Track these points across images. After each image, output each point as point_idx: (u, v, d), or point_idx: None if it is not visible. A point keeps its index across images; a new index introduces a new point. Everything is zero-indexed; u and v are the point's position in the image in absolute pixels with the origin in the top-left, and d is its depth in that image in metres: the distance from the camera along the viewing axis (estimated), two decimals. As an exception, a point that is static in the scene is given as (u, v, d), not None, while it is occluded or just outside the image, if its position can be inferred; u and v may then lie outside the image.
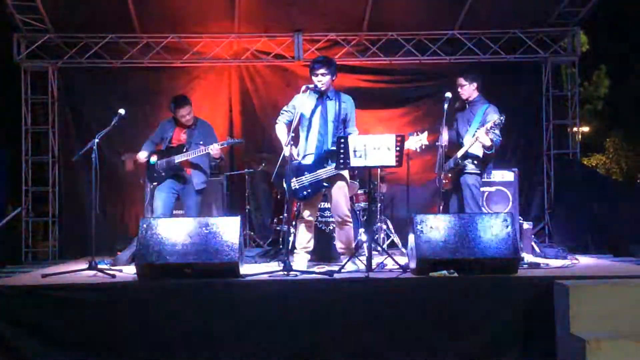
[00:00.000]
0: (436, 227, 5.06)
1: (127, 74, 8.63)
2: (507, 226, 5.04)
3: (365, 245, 6.00)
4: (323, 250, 6.39)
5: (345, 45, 8.65)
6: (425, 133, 5.70)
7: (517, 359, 4.70)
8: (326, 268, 5.59)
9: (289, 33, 8.53)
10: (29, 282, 5.25)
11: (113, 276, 5.24)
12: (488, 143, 6.02)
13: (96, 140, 5.73)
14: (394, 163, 5.29)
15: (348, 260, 5.55)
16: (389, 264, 5.56)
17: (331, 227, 6.51)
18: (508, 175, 7.47)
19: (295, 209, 6.33)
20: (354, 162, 5.30)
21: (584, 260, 6.42)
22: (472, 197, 6.25)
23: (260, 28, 8.54)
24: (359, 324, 4.74)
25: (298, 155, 5.67)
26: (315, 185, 5.66)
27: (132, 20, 8.18)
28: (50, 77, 8.48)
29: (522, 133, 8.80)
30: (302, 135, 5.76)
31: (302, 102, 5.68)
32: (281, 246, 6.80)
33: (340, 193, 5.72)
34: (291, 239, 6.29)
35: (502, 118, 5.92)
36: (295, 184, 5.65)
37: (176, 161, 6.40)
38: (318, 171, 5.65)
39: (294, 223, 6.22)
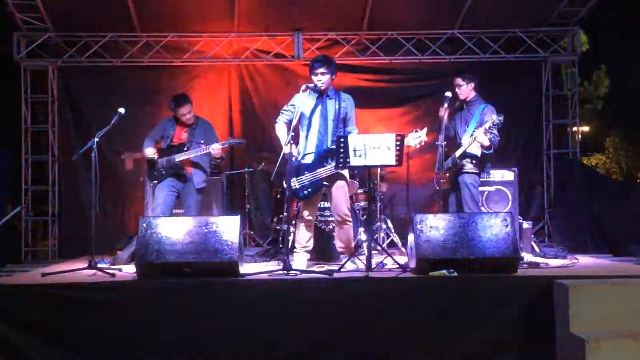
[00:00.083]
0: (436, 226, 5.06)
1: (127, 73, 8.63)
2: (507, 226, 5.04)
3: (365, 244, 6.00)
4: (323, 250, 6.39)
5: (345, 44, 8.65)
6: (425, 129, 5.70)
7: (516, 359, 4.70)
8: (326, 267, 5.60)
9: (289, 32, 8.53)
10: (29, 281, 5.26)
11: (113, 275, 5.24)
12: (487, 143, 6.04)
13: (96, 139, 5.73)
14: (393, 162, 5.30)
15: (348, 260, 5.55)
16: (389, 263, 5.57)
17: (331, 227, 6.51)
18: (508, 175, 7.47)
19: (295, 208, 6.33)
20: (354, 161, 5.30)
21: (584, 260, 6.42)
22: (471, 197, 6.26)
23: (260, 27, 8.54)
24: (358, 323, 4.74)
25: (298, 154, 5.67)
26: (315, 185, 5.66)
27: (132, 19, 8.18)
28: (50, 76, 8.48)
29: (522, 132, 8.80)
30: (302, 134, 5.76)
31: (302, 102, 5.68)
32: (281, 245, 6.80)
33: (340, 192, 5.72)
34: (291, 238, 6.30)
35: (500, 118, 5.92)
36: (295, 183, 5.65)
37: (177, 160, 6.40)
38: (318, 170, 5.65)
39: (293, 222, 6.22)
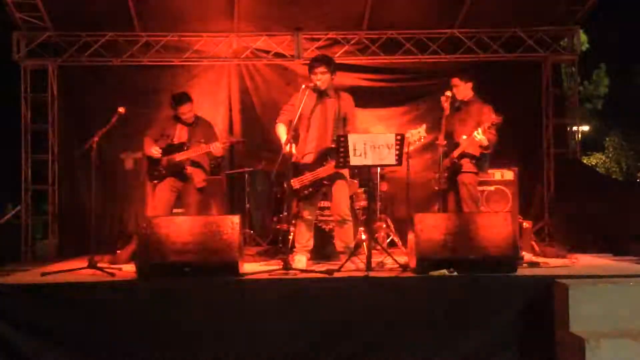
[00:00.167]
0: (436, 226, 5.06)
1: (127, 72, 8.63)
2: (507, 225, 5.04)
3: (364, 244, 6.00)
4: (323, 249, 6.39)
5: (345, 43, 8.65)
6: (424, 126, 5.69)
7: (516, 358, 4.70)
8: (326, 267, 5.59)
9: (289, 31, 8.53)
10: (29, 280, 5.25)
11: (112, 275, 5.23)
12: (485, 143, 6.06)
13: (96, 138, 5.72)
14: (394, 162, 5.29)
15: (347, 259, 5.55)
16: (389, 262, 5.56)
17: (331, 226, 6.51)
18: (507, 174, 7.48)
19: (296, 208, 6.33)
20: (354, 160, 5.29)
21: (584, 260, 6.41)
22: (470, 196, 6.29)
23: (260, 26, 8.54)
24: (358, 322, 4.74)
25: (297, 155, 5.67)
26: (315, 184, 5.66)
27: (131, 19, 8.18)
28: (49, 75, 8.49)
29: (522, 132, 8.78)
30: (302, 133, 5.76)
31: (302, 101, 5.67)
32: (281, 245, 6.80)
33: (340, 192, 5.72)
34: (291, 237, 6.29)
35: (500, 118, 5.94)
36: (296, 183, 5.65)
37: (178, 159, 6.40)
38: (318, 170, 5.65)
39: (293, 222, 6.22)
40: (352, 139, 5.33)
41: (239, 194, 8.46)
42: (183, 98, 6.52)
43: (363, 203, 7.18)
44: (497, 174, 7.39)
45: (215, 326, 4.73)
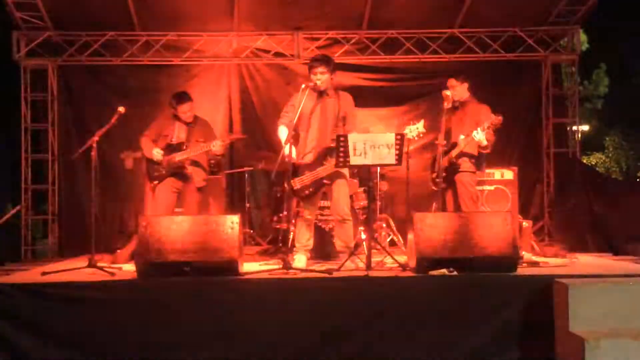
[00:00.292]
0: (436, 225, 5.06)
1: (127, 72, 8.62)
2: (507, 225, 5.04)
3: (364, 243, 6.00)
4: (323, 249, 6.39)
5: (345, 43, 8.65)
6: (422, 121, 5.68)
7: (516, 358, 4.71)
8: (326, 266, 5.59)
9: (289, 31, 8.53)
10: (29, 279, 5.25)
11: (112, 274, 5.24)
12: (485, 143, 6.08)
13: (95, 138, 5.72)
14: (394, 161, 5.30)
15: (347, 259, 5.55)
16: (389, 262, 5.56)
17: (331, 226, 6.51)
18: (507, 174, 7.47)
19: (296, 208, 6.33)
20: (354, 160, 5.30)
21: (583, 259, 6.42)
22: (468, 195, 6.31)
23: (260, 26, 8.53)
24: (358, 322, 4.75)
25: (298, 155, 5.67)
26: (316, 184, 5.66)
27: (131, 18, 8.17)
28: (49, 75, 8.48)
29: (522, 131, 8.80)
30: (302, 133, 5.76)
31: (302, 101, 5.68)
32: (281, 244, 6.80)
33: (340, 191, 5.72)
34: (291, 237, 6.29)
35: (500, 118, 5.96)
36: (296, 183, 5.65)
37: (178, 159, 6.39)
38: (318, 169, 5.65)
39: (293, 221, 6.22)
40: (352, 138, 5.34)
41: (239, 193, 8.46)
42: (184, 97, 6.51)
43: (363, 203, 7.18)
44: (497, 174, 7.39)
45: (215, 326, 4.73)
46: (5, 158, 8.69)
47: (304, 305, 4.77)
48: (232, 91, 8.87)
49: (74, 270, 5.48)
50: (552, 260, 6.14)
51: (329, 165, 5.61)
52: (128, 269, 5.51)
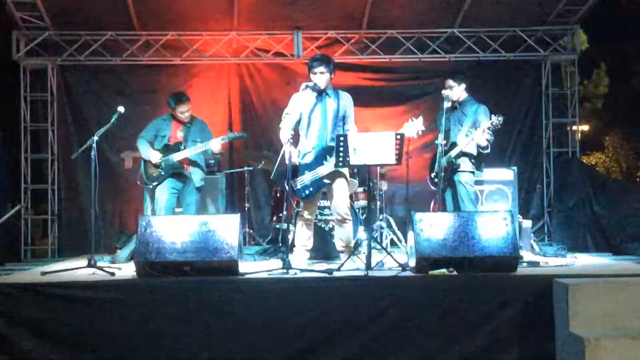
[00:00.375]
0: (436, 225, 5.06)
1: (127, 71, 8.63)
2: (507, 224, 5.04)
3: (364, 243, 6.00)
4: (322, 248, 6.39)
5: (345, 43, 8.65)
6: (421, 118, 5.65)
7: (516, 358, 4.70)
8: (325, 266, 5.59)
9: (289, 31, 8.53)
10: (28, 279, 5.24)
11: (112, 274, 5.23)
12: (484, 143, 6.12)
13: (95, 137, 5.71)
14: (393, 161, 5.29)
15: (347, 259, 5.55)
16: (389, 262, 5.56)
17: (330, 225, 6.51)
18: (507, 174, 7.48)
19: (296, 208, 6.33)
20: (354, 160, 5.30)
21: (583, 259, 6.42)
22: (467, 195, 6.33)
23: (260, 26, 8.53)
24: (358, 322, 4.74)
25: (298, 155, 5.67)
26: (316, 184, 5.66)
27: (131, 18, 8.17)
28: (49, 75, 8.48)
29: (522, 131, 8.81)
30: (302, 133, 5.76)
31: (301, 101, 5.67)
32: (280, 244, 6.80)
33: (340, 191, 5.72)
34: (290, 237, 6.29)
35: (500, 119, 5.97)
36: (296, 183, 5.65)
37: (176, 159, 6.38)
38: (317, 169, 5.65)
39: (293, 221, 6.22)
40: (352, 138, 5.33)
41: (238, 193, 8.46)
42: (182, 98, 6.50)
43: (363, 202, 7.18)
44: (497, 174, 7.39)
45: (215, 325, 4.73)
46: (5, 158, 8.65)
47: (304, 305, 4.77)
48: (232, 91, 8.88)
49: (74, 270, 5.48)
50: (552, 260, 6.13)
51: (329, 165, 5.61)
52: (128, 269, 5.50)
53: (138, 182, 6.64)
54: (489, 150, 6.23)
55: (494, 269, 4.95)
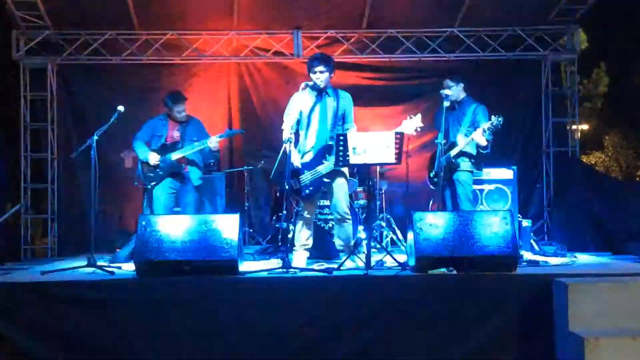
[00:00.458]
0: (435, 224, 5.06)
1: (127, 71, 8.63)
2: (506, 224, 5.04)
3: (364, 242, 6.00)
4: (322, 248, 6.38)
5: (345, 42, 8.64)
6: (419, 115, 5.64)
7: (516, 357, 4.71)
8: (325, 265, 5.59)
9: (289, 30, 8.53)
10: (28, 279, 5.24)
11: (112, 273, 5.24)
12: (484, 143, 6.13)
13: (95, 137, 5.72)
14: (393, 160, 5.29)
15: (347, 258, 5.55)
16: (388, 261, 5.56)
17: (330, 225, 6.51)
18: (507, 173, 7.47)
19: (296, 207, 6.33)
20: (354, 159, 5.30)
21: (583, 258, 6.42)
22: (465, 194, 6.35)
23: (260, 25, 8.53)
24: (357, 321, 4.74)
25: (299, 154, 5.68)
26: (316, 183, 5.66)
27: (131, 17, 8.17)
28: (49, 74, 8.48)
29: (522, 131, 8.81)
30: (302, 132, 5.76)
31: (301, 100, 5.67)
32: (280, 243, 6.80)
33: (340, 190, 5.72)
34: (290, 236, 6.29)
35: (500, 119, 5.97)
36: (296, 182, 5.65)
37: (174, 158, 6.38)
38: (317, 168, 5.65)
39: (292, 220, 6.22)
40: (351, 137, 5.34)
41: (238, 192, 8.46)
42: (180, 97, 6.50)
43: (363, 201, 7.18)
44: (497, 173, 7.39)
45: (215, 325, 4.73)
46: (5, 157, 8.64)
47: (304, 305, 4.77)
48: (232, 90, 8.88)
49: (74, 269, 5.48)
50: (552, 260, 6.14)
51: (329, 164, 5.61)
52: (127, 268, 5.50)
53: (135, 183, 6.64)
54: (488, 150, 6.23)
55: (493, 268, 4.95)
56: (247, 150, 8.63)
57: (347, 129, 5.71)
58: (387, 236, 7.50)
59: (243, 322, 4.73)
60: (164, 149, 6.41)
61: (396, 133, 5.28)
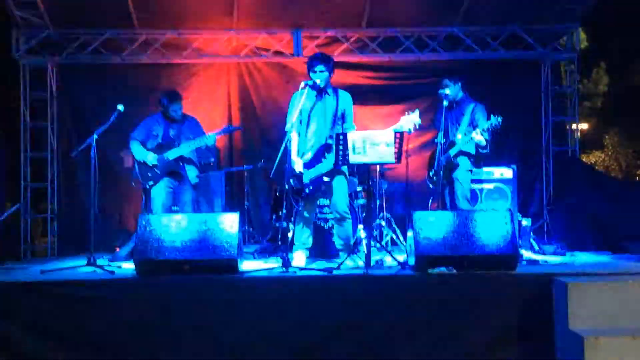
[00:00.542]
0: (435, 223, 5.06)
1: (126, 70, 8.62)
2: (506, 223, 5.05)
3: (364, 241, 6.00)
4: (322, 247, 6.39)
5: (345, 42, 8.64)
6: (417, 111, 5.63)
7: (516, 356, 4.71)
8: (325, 265, 5.59)
9: (289, 29, 8.52)
10: (28, 278, 5.25)
11: (112, 272, 5.24)
12: (483, 143, 6.14)
13: (95, 136, 5.72)
14: (393, 159, 5.30)
15: (347, 257, 5.55)
16: (388, 260, 5.56)
17: (330, 224, 6.51)
18: (507, 172, 7.47)
19: (295, 206, 6.33)
20: (353, 158, 5.30)
21: (583, 258, 6.42)
22: (462, 193, 6.37)
23: (260, 24, 8.53)
24: (357, 320, 4.75)
25: (297, 153, 5.67)
26: (315, 182, 5.66)
27: (131, 17, 8.16)
28: (49, 73, 8.47)
29: (521, 130, 8.80)
30: (302, 132, 5.76)
31: (301, 99, 5.67)
32: (280, 243, 6.80)
33: (340, 189, 5.72)
34: (290, 235, 6.29)
35: (499, 119, 5.98)
36: (295, 181, 5.65)
37: (171, 157, 6.37)
38: (317, 167, 5.65)
39: (292, 219, 6.22)
40: (351, 136, 5.34)
41: (238, 191, 8.46)
42: (177, 96, 6.51)
43: (362, 200, 7.18)
44: (497, 172, 7.39)
45: (215, 324, 4.73)
46: (5, 156, 8.64)
47: (303, 304, 4.77)
48: (232, 89, 8.87)
49: (73, 268, 5.48)
50: (552, 259, 6.14)
51: (328, 163, 5.60)
52: (127, 267, 5.50)
53: (133, 184, 6.64)
54: (487, 150, 6.25)
55: (493, 267, 4.95)
56: (246, 149, 8.62)
57: (347, 130, 5.71)
58: (387, 235, 7.50)
59: (243, 321, 4.73)
60: (160, 148, 6.41)
61: (396, 132, 5.28)
